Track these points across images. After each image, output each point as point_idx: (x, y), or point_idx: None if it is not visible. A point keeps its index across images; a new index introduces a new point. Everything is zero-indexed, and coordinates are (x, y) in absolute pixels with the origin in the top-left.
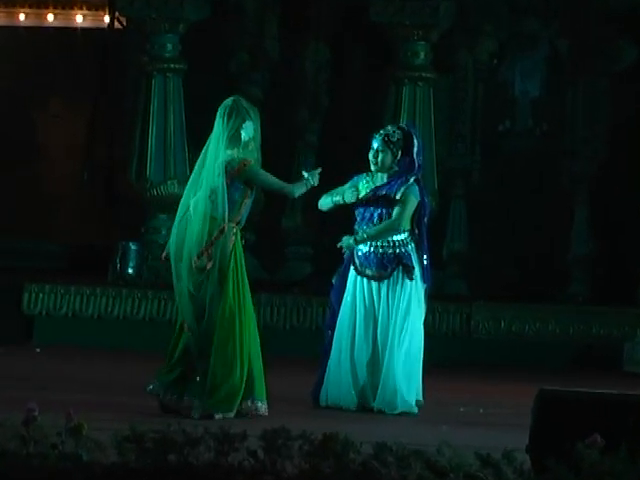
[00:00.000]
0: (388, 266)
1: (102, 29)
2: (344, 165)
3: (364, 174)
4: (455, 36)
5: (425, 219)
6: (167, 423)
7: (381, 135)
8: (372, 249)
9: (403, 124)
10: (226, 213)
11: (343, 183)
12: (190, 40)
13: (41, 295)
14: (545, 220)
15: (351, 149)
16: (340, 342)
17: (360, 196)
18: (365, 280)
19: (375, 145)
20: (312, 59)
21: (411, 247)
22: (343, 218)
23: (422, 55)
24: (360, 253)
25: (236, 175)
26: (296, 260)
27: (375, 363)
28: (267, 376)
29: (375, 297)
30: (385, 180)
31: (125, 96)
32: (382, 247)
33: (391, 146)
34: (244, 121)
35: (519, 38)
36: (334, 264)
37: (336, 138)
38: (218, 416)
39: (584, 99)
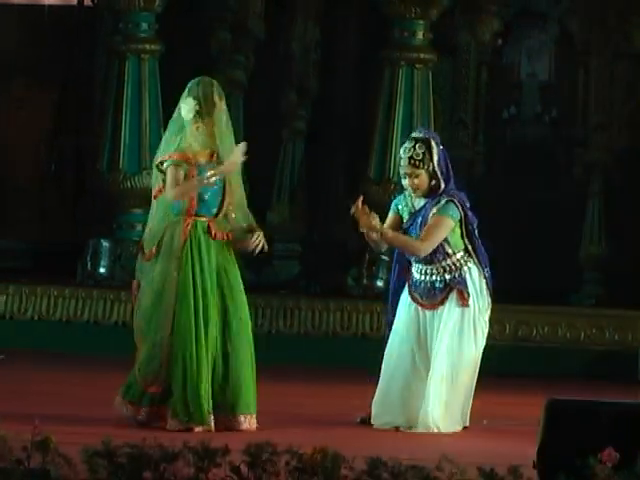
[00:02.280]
0: (438, 294)
1: (71, 6)
2: (335, 154)
3: (402, 195)
4: (456, 14)
5: (476, 232)
6: (142, 437)
7: (407, 159)
8: (423, 277)
9: (418, 132)
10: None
11: (333, 173)
12: (167, 19)
13: (4, 297)
14: (555, 214)
15: (343, 137)
16: (386, 370)
17: (403, 225)
18: (417, 307)
19: (405, 171)
20: (300, 39)
21: (467, 269)
22: (333, 212)
23: (420, 35)
24: (414, 279)
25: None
26: (283, 258)
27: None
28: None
29: (428, 327)
30: (422, 202)
31: (96, 79)
32: (432, 274)
33: (422, 165)
34: (186, 98)
35: (526, 16)
36: (324, 263)
37: (326, 125)
38: (198, 429)
39: (597, 82)
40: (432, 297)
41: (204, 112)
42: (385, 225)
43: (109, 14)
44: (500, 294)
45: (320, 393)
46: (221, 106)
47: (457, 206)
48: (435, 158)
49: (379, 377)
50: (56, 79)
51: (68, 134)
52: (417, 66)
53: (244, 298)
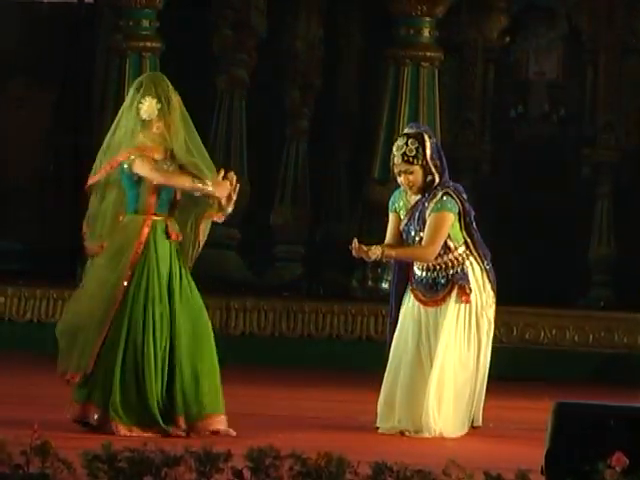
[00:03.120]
0: (440, 291)
1: (71, 3)
2: (339, 153)
3: (398, 190)
4: (462, 11)
5: (473, 224)
6: (143, 441)
7: (400, 157)
8: (424, 273)
9: (409, 128)
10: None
11: (336, 172)
12: (168, 16)
13: (3, 299)
14: (563, 215)
15: (346, 136)
16: (390, 371)
17: (401, 224)
18: (419, 306)
19: (399, 169)
20: (303, 37)
21: (468, 264)
22: (337, 213)
23: (426, 32)
24: (416, 276)
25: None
26: (286, 260)
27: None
28: (253, 389)
29: (431, 325)
30: (418, 198)
31: (96, 78)
32: (435, 270)
33: (416, 161)
34: (143, 97)
35: (533, 13)
36: (327, 265)
37: (330, 124)
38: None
39: (606, 80)
40: (434, 293)
41: (165, 111)
42: (388, 227)
43: (109, 11)
44: (507, 296)
45: (323, 396)
46: (176, 103)
47: (454, 198)
48: (428, 152)
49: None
50: (56, 78)
51: (67, 133)
52: (423, 64)
53: (200, 299)
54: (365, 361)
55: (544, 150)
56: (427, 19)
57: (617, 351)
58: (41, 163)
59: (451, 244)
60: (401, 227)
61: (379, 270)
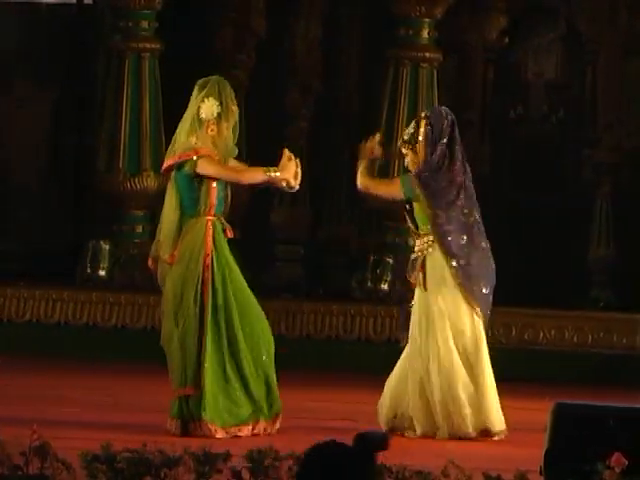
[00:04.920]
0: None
1: (70, 4)
2: (338, 154)
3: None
4: (462, 12)
5: (443, 226)
6: (142, 442)
7: (401, 139)
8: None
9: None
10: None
11: (336, 173)
12: (167, 17)
13: (2, 300)
14: (562, 217)
15: (346, 136)
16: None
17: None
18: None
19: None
20: (303, 37)
21: (427, 253)
22: (337, 214)
23: (425, 33)
24: None
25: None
26: (285, 261)
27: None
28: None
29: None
30: None
31: (96, 78)
32: (412, 252)
33: (408, 145)
34: (207, 97)
35: (533, 14)
36: (327, 265)
37: (330, 124)
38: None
39: (606, 81)
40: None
41: (223, 115)
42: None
43: (109, 12)
44: (506, 296)
45: (322, 397)
46: (235, 113)
47: (410, 182)
48: (420, 138)
49: (384, 380)
50: (56, 79)
51: (68, 134)
52: (422, 65)
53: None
54: (364, 362)
55: (543, 151)
56: (426, 20)
57: (616, 352)
58: (41, 163)
59: (418, 230)
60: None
61: (378, 271)
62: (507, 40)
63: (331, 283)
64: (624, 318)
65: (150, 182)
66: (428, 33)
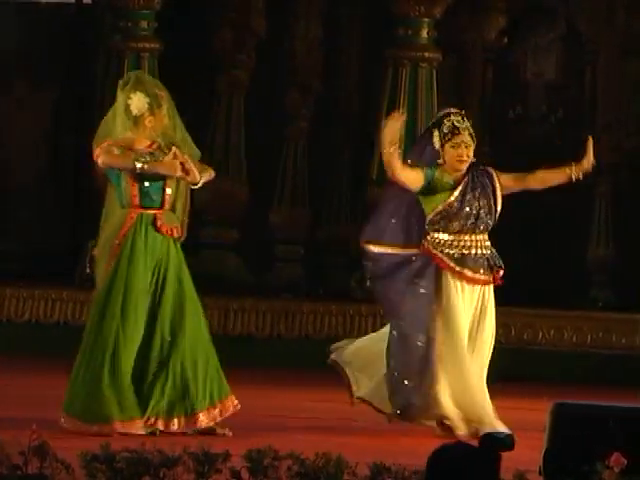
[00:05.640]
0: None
1: (69, 4)
2: (338, 154)
3: (433, 170)
4: (461, 12)
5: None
6: (141, 442)
7: (466, 130)
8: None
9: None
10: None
11: (336, 173)
12: (167, 17)
13: (1, 300)
14: (561, 217)
15: (346, 136)
16: None
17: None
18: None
19: (464, 140)
20: (303, 37)
21: None
22: (336, 214)
23: (424, 33)
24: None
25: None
26: (285, 261)
27: None
28: (251, 390)
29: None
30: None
31: (95, 78)
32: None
33: (474, 140)
34: (132, 93)
35: (532, 14)
36: (327, 265)
37: (329, 124)
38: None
39: (605, 81)
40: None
41: (155, 103)
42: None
43: (108, 12)
44: (505, 296)
45: (322, 397)
46: (165, 97)
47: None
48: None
49: None
50: (55, 79)
51: (67, 134)
52: (421, 65)
53: (194, 294)
54: None
55: (542, 151)
56: (425, 20)
57: (615, 352)
58: (41, 163)
59: None
60: (447, 203)
61: None
62: (506, 40)
63: (331, 283)
64: (623, 318)
65: None
66: (427, 33)
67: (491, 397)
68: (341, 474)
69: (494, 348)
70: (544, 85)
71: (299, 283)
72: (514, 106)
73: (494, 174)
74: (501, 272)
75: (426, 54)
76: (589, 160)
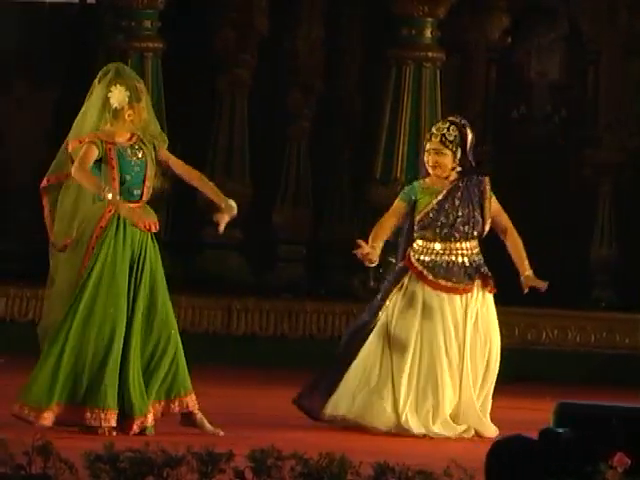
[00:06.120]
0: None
1: (72, 4)
2: (340, 154)
3: (416, 183)
4: (464, 12)
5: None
6: (145, 441)
7: (439, 136)
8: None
9: (456, 117)
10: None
11: (338, 173)
12: (170, 16)
13: (5, 300)
14: (565, 216)
15: (348, 136)
16: None
17: (421, 212)
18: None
19: (433, 147)
20: (305, 37)
21: None
22: (339, 213)
23: (428, 33)
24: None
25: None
26: (287, 261)
27: None
28: (254, 389)
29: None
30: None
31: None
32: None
33: (451, 146)
34: (113, 85)
35: (535, 14)
36: (329, 265)
37: (332, 124)
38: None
39: (607, 81)
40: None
41: (134, 97)
42: (389, 213)
43: (111, 12)
44: (508, 296)
45: None
46: (143, 87)
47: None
48: (467, 145)
49: None
50: (57, 78)
51: (68, 134)
52: (425, 65)
53: (165, 291)
54: None
55: (546, 150)
56: (429, 19)
57: (619, 352)
58: (41, 163)
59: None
60: (424, 213)
61: (381, 270)
62: (509, 40)
63: (333, 283)
64: (626, 318)
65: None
66: (431, 33)
67: (495, 397)
68: (344, 474)
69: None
70: (547, 84)
71: (301, 283)
72: (518, 106)
73: (487, 185)
74: (490, 280)
75: (430, 54)
76: (543, 285)
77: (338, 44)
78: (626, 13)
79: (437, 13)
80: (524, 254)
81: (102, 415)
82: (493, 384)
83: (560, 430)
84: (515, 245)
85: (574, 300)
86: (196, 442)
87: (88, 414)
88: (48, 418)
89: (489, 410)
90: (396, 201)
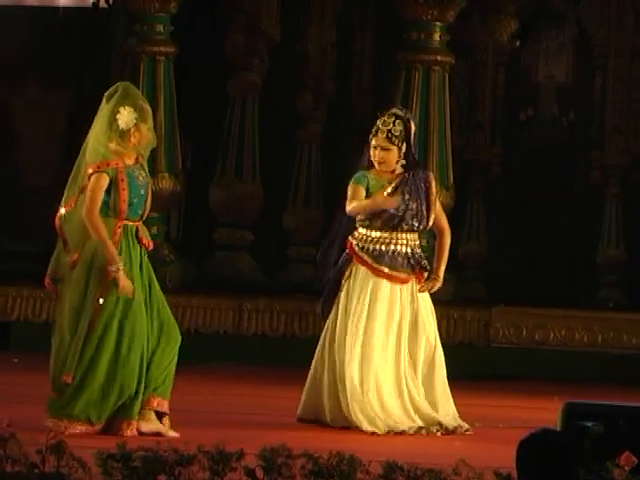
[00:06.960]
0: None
1: (86, 8)
2: (351, 157)
3: (364, 172)
4: (473, 16)
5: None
6: (157, 440)
7: (385, 132)
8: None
9: (399, 109)
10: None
11: (348, 176)
12: (182, 20)
13: (19, 300)
14: (572, 218)
15: (358, 139)
16: None
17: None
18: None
19: (379, 144)
20: (316, 41)
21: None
22: (348, 217)
23: (437, 37)
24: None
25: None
26: (298, 262)
27: None
28: (266, 389)
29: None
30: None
31: (111, 82)
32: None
33: (397, 141)
34: (121, 107)
35: (543, 17)
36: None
37: (342, 127)
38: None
39: (615, 84)
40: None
41: (140, 119)
42: (358, 197)
43: (124, 16)
44: (516, 297)
45: None
46: (148, 108)
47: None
48: (411, 139)
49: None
50: (70, 81)
51: (82, 137)
52: (434, 68)
53: (169, 313)
54: None
55: (554, 153)
56: (438, 23)
57: (626, 351)
58: (54, 165)
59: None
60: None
61: None
62: (518, 43)
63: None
64: (634, 318)
65: (165, 184)
66: (440, 36)
67: (503, 396)
68: (354, 472)
69: (505, 349)
70: (555, 87)
71: (312, 283)
72: (526, 109)
73: (432, 181)
74: (425, 273)
75: (439, 57)
76: (432, 290)
77: (349, 47)
78: (634, 17)
79: (446, 17)
80: (446, 259)
81: (133, 425)
82: (445, 378)
83: (589, 424)
84: (444, 246)
85: (582, 300)
86: (207, 441)
87: (125, 425)
88: (93, 431)
89: (450, 400)
90: (355, 186)
